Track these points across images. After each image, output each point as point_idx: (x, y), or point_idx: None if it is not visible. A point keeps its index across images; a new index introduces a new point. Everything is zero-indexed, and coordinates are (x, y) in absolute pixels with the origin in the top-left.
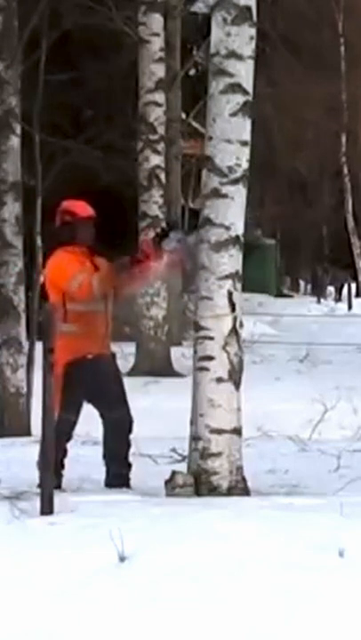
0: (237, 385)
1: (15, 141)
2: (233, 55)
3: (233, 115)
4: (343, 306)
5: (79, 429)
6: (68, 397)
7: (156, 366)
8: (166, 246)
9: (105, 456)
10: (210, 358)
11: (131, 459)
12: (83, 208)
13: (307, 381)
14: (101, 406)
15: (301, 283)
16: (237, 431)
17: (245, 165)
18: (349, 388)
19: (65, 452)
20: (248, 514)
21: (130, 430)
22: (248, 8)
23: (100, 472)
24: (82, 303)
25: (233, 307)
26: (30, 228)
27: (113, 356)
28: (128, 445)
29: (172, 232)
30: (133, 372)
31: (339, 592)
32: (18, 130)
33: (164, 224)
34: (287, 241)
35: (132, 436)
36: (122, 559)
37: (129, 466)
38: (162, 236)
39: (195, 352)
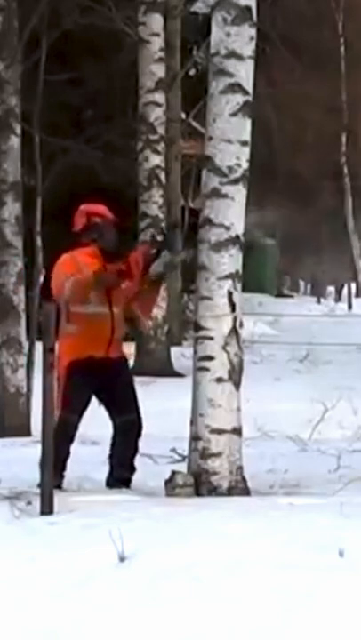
0: (237, 385)
1: (15, 141)
2: (233, 55)
3: (233, 115)
4: (343, 306)
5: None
6: (73, 398)
7: (156, 366)
8: (153, 271)
9: (111, 457)
10: (210, 358)
11: (136, 463)
12: (107, 210)
13: (307, 381)
14: (112, 410)
15: (301, 283)
16: (237, 431)
17: (245, 165)
18: (349, 388)
19: (68, 454)
20: (248, 514)
21: (138, 435)
22: (248, 8)
23: (99, 472)
24: (83, 305)
25: (233, 307)
26: (30, 228)
27: (125, 360)
28: (135, 450)
29: (163, 252)
30: (133, 371)
31: (339, 592)
32: (18, 130)
33: (159, 238)
34: (287, 241)
35: (140, 441)
36: (122, 559)
37: (133, 470)
38: (154, 256)
39: (195, 352)
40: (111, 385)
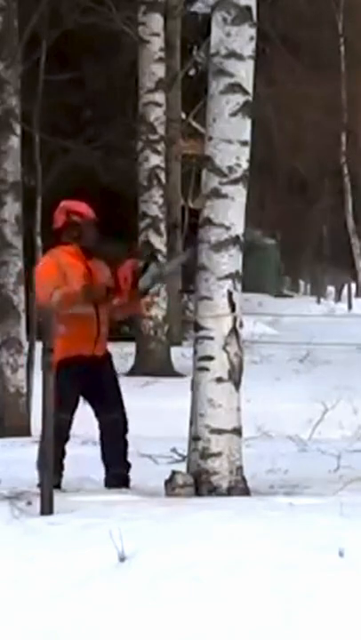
0: (237, 385)
1: (15, 141)
2: (233, 55)
3: (233, 115)
4: (343, 306)
5: (79, 429)
6: (64, 397)
7: (156, 366)
8: (142, 284)
9: (103, 457)
10: (210, 358)
11: (130, 458)
12: (88, 209)
13: (307, 381)
14: (97, 407)
15: (301, 283)
16: (237, 431)
17: (245, 165)
18: (349, 388)
19: (63, 453)
20: (248, 514)
21: (125, 431)
22: (248, 8)
23: (100, 472)
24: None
25: (233, 307)
26: (30, 228)
27: (109, 357)
28: (125, 445)
29: (150, 265)
30: (133, 371)
31: (339, 592)
32: (18, 130)
33: (141, 262)
34: (287, 241)
35: (128, 436)
36: (122, 559)
37: (128, 466)
38: (142, 269)
39: (195, 352)
40: (98, 383)
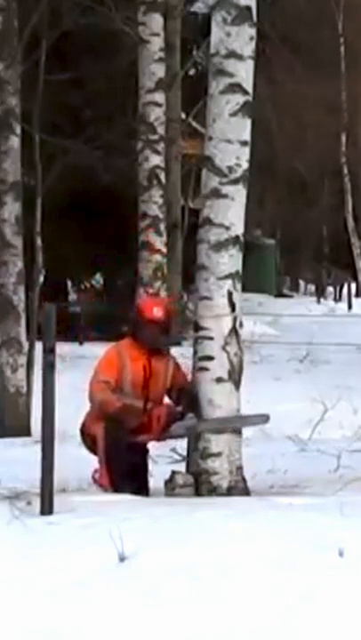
0: (237, 385)
1: (15, 141)
2: (233, 55)
3: (233, 115)
4: (343, 306)
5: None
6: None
7: None
8: (174, 431)
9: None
10: (210, 358)
11: None
12: (150, 309)
13: (307, 381)
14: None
15: (301, 283)
16: (237, 431)
17: (245, 165)
18: (349, 388)
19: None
20: (248, 514)
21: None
22: (248, 8)
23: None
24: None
25: (233, 307)
26: (30, 228)
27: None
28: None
29: (188, 415)
30: None
31: (339, 592)
32: (18, 130)
33: (180, 408)
34: (287, 241)
35: None
36: (122, 559)
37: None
38: (178, 415)
39: (195, 352)
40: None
